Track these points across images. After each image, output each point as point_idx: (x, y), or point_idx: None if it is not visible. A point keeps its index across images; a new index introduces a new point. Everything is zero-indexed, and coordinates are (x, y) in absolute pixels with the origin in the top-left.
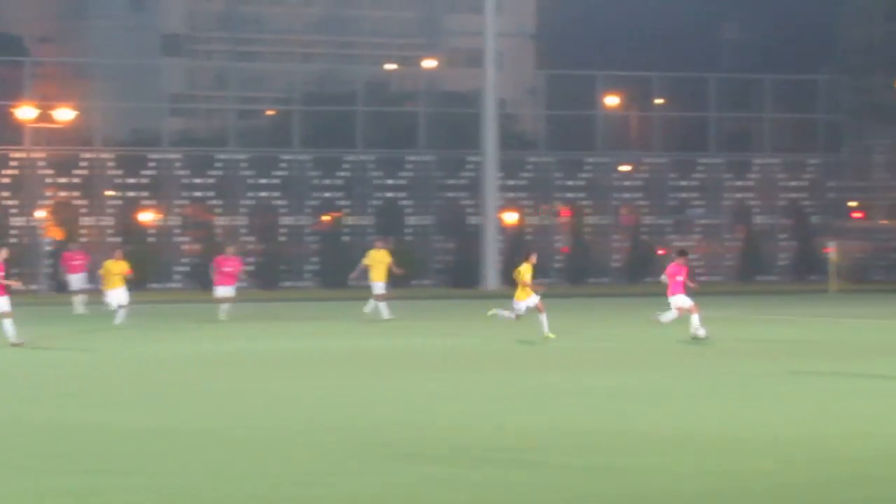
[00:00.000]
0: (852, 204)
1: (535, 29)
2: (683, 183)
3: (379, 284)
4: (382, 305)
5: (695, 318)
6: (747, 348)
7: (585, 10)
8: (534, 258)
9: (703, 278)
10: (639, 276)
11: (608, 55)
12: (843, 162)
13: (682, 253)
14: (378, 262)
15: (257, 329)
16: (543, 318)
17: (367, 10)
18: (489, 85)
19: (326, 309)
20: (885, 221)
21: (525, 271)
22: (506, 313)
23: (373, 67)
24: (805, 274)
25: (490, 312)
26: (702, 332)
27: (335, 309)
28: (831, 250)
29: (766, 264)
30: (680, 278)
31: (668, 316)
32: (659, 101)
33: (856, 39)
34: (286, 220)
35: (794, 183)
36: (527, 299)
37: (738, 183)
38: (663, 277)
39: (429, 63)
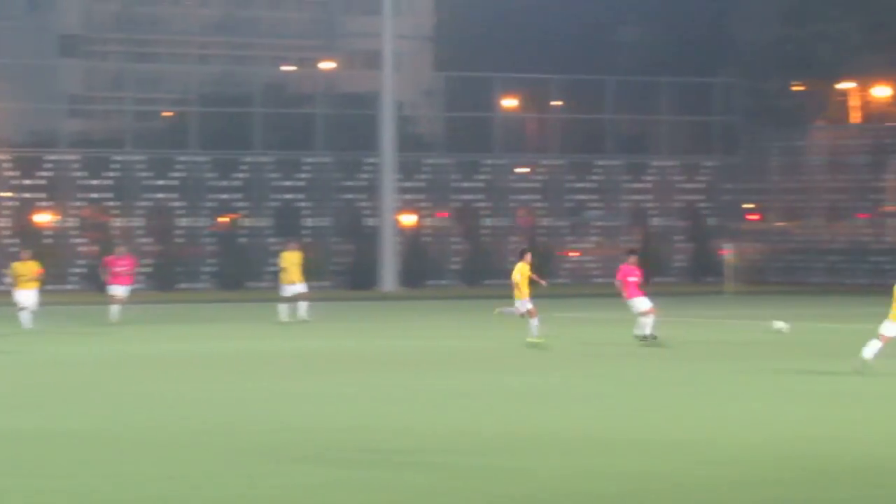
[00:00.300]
0: (748, 206)
1: (433, 31)
2: (581, 185)
3: (293, 286)
4: (282, 307)
5: (647, 320)
6: (644, 350)
7: (484, 12)
8: (529, 257)
9: (599, 280)
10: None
11: (506, 57)
12: (738, 164)
13: (633, 252)
14: (292, 263)
15: (155, 331)
16: (535, 322)
17: (264, 11)
18: (387, 87)
19: (224, 311)
20: (781, 223)
21: (521, 270)
22: (509, 309)
23: (270, 69)
24: (701, 275)
25: (496, 312)
26: (648, 331)
27: (233, 311)
28: (727, 252)
29: (663, 266)
30: (633, 279)
31: (645, 324)
32: (556, 103)
33: (751, 42)
34: (183, 222)
35: (690, 185)
36: (524, 300)
37: (635, 185)
38: (617, 282)
39: (326, 65)
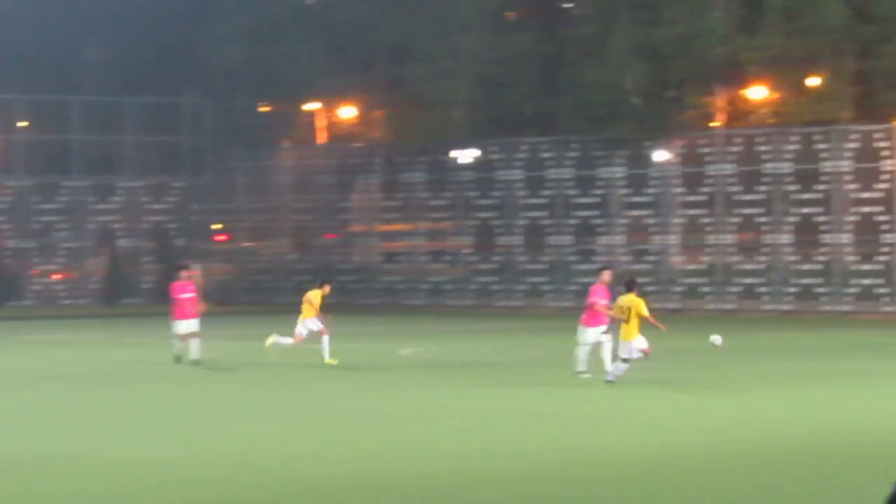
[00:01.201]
0: (216, 226)
1: None
2: (47, 206)
3: None
4: None
5: (281, 340)
6: (104, 370)
7: None
8: (327, 288)
9: (67, 302)
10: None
11: None
12: (206, 184)
13: (184, 267)
14: None
15: None
16: (326, 339)
17: None
18: None
19: None
20: (249, 243)
21: (314, 297)
22: (284, 340)
23: None
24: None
25: (269, 342)
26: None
27: None
28: (194, 273)
29: (131, 287)
30: (185, 296)
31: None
32: (22, 123)
33: (218, 62)
34: None
35: (158, 206)
36: (311, 322)
37: (103, 206)
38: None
39: None
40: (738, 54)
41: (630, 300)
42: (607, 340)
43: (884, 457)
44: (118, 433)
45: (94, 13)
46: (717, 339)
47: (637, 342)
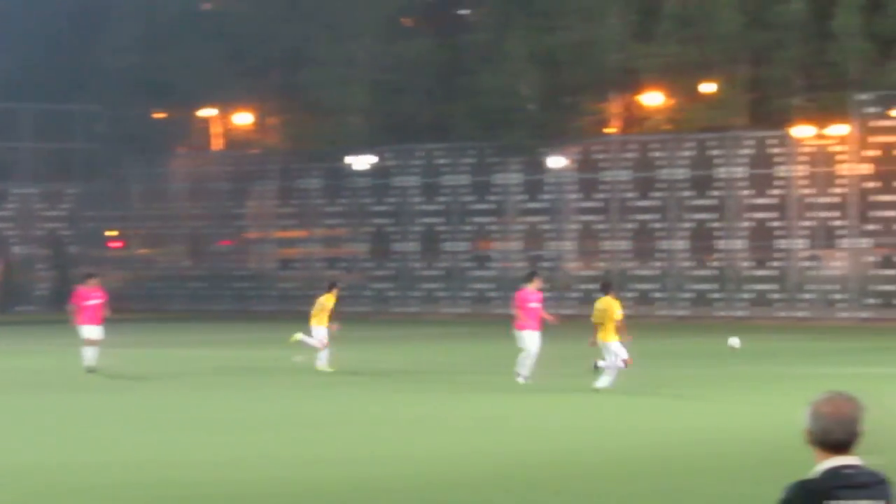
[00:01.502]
0: (111, 233)
1: None
2: None
3: None
4: None
5: (89, 351)
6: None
7: None
8: (336, 291)
9: None
10: None
11: None
12: (101, 191)
13: (91, 276)
14: None
15: None
16: (324, 353)
17: None
18: None
19: None
20: (144, 250)
21: (328, 301)
22: (310, 340)
23: None
24: (63, 304)
25: (293, 339)
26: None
27: None
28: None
29: (25, 295)
30: (90, 303)
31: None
32: None
33: (112, 69)
34: None
35: (52, 213)
36: (321, 327)
37: None
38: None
39: None
40: (633, 61)
41: (607, 303)
42: (535, 347)
43: (778, 462)
44: (8, 439)
45: None
46: (734, 340)
47: (616, 348)
